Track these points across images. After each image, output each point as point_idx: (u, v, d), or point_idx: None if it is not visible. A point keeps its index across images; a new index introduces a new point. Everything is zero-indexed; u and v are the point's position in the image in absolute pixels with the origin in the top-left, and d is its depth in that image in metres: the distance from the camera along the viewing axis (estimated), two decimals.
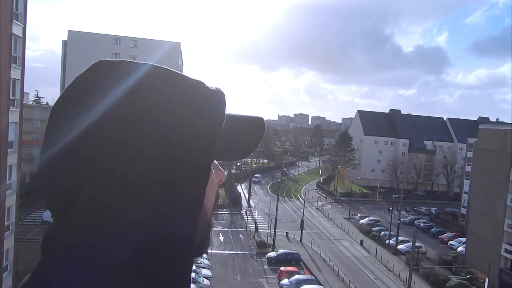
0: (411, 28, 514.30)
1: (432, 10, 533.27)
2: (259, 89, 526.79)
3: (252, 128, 0.65)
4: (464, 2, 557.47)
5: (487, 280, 33.36)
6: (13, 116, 21.37)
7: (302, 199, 59.97)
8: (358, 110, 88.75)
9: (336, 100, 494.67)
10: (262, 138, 0.66)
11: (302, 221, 45.50)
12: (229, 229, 45.78)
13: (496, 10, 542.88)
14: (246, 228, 46.70)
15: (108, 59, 0.58)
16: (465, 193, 52.64)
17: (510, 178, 37.53)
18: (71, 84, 0.56)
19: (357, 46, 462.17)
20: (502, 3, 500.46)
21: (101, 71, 0.55)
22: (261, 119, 0.67)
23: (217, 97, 0.57)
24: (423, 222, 55.30)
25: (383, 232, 46.83)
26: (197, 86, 0.56)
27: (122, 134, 0.49)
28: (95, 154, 0.48)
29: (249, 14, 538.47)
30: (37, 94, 79.74)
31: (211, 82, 0.61)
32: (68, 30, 59.39)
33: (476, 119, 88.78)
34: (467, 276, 36.36)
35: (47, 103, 75.81)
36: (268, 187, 74.56)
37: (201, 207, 0.53)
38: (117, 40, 59.26)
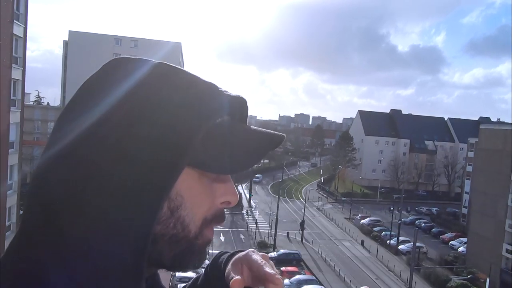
0: (407, 28, 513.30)
1: (428, 10, 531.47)
2: (258, 89, 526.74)
3: (261, 140, 0.59)
4: (461, 2, 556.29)
5: (488, 280, 33.33)
6: (14, 117, 21.41)
7: (303, 199, 59.98)
8: (359, 110, 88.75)
9: (335, 100, 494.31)
10: (267, 153, 0.59)
11: (303, 221, 45.49)
12: (230, 229, 45.78)
13: (492, 10, 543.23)
14: (247, 228, 46.73)
15: (126, 56, 0.58)
16: (466, 193, 52.58)
17: (511, 178, 37.51)
18: (83, 84, 0.56)
19: (353, 46, 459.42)
20: (498, 3, 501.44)
21: (108, 70, 0.56)
22: (280, 136, 0.60)
23: (217, 98, 0.56)
24: (424, 222, 55.23)
25: (384, 232, 46.78)
26: (197, 85, 0.56)
27: (121, 135, 0.49)
28: (94, 156, 0.48)
29: (244, 14, 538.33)
30: (38, 95, 79.97)
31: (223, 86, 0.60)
32: (69, 31, 59.53)
33: (477, 119, 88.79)
34: (468, 276, 36.33)
35: (48, 103, 75.98)
36: (269, 187, 74.57)
37: (155, 209, 0.49)
38: (118, 40, 59.33)
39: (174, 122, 0.50)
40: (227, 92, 0.58)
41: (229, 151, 0.55)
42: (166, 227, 0.52)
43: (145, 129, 0.49)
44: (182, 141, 0.50)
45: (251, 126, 0.61)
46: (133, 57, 0.58)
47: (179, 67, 0.58)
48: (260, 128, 0.61)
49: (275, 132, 0.60)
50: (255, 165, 0.60)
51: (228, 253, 0.74)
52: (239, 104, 0.60)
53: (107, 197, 0.47)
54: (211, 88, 0.57)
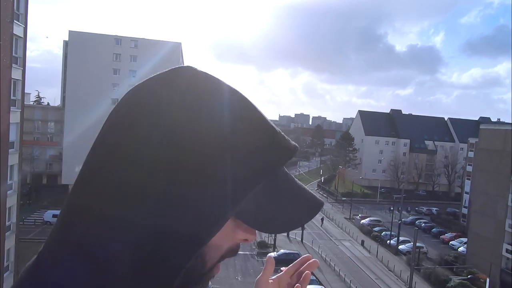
0: (405, 28, 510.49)
1: (426, 10, 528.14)
2: (257, 89, 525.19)
3: (303, 206, 0.58)
4: (459, 2, 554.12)
5: (488, 280, 33.31)
6: (14, 117, 21.40)
7: None
8: (359, 110, 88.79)
9: (334, 100, 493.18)
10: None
11: (322, 218, 45.39)
12: None
13: (491, 10, 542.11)
14: None
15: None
16: (466, 193, 52.59)
17: (511, 178, 37.49)
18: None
19: (351, 46, 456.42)
20: (497, 3, 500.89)
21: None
22: (320, 203, 0.60)
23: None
24: (424, 222, 55.24)
25: (384, 232, 46.80)
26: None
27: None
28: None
29: (241, 14, 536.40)
30: (38, 95, 79.92)
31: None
32: (69, 31, 59.43)
33: (477, 119, 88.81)
34: (468, 276, 36.31)
35: (48, 103, 75.98)
36: None
37: (202, 208, 0.49)
38: (118, 40, 59.29)
39: (232, 175, 0.49)
40: (285, 137, 0.57)
41: (271, 211, 0.54)
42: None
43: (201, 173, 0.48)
44: (234, 196, 0.50)
45: (295, 180, 0.59)
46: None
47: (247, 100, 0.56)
48: (302, 186, 0.60)
49: (317, 197, 0.60)
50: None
51: None
52: (292, 154, 0.57)
53: (108, 200, 0.48)
54: (273, 134, 0.55)
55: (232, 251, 0.59)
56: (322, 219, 52.59)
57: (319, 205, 0.59)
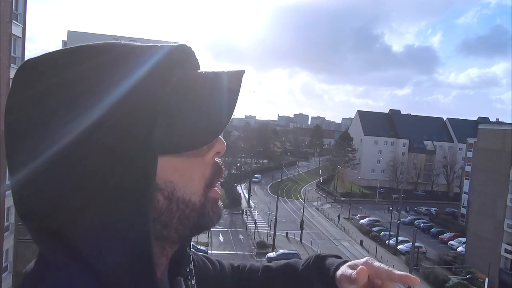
0: (402, 28, 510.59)
1: (422, 11, 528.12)
2: (256, 89, 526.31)
3: (220, 92, 0.52)
4: (457, 2, 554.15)
5: (487, 280, 33.35)
6: None
7: (302, 199, 60.00)
8: (358, 111, 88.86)
9: (332, 100, 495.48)
10: (234, 108, 0.51)
11: (302, 221, 45.54)
12: (229, 229, 45.77)
13: (488, 11, 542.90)
14: (246, 228, 46.71)
15: (33, 57, 0.51)
16: (465, 193, 52.66)
17: (510, 178, 37.56)
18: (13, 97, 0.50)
19: (348, 46, 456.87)
20: (494, 3, 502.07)
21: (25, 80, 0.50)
22: (238, 72, 0.53)
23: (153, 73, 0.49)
24: (423, 222, 55.29)
25: (383, 232, 46.84)
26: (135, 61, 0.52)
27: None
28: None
29: (239, 14, 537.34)
30: None
31: None
32: (68, 31, 59.47)
33: (475, 119, 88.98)
34: (467, 276, 36.36)
35: None
36: (268, 187, 74.57)
37: (145, 203, 0.46)
38: (117, 40, 59.30)
39: (121, 123, 0.46)
40: (165, 45, 0.52)
41: (194, 120, 0.49)
42: (171, 213, 0.51)
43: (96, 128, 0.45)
44: (139, 140, 0.45)
45: (202, 73, 0.54)
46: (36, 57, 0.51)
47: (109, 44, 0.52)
48: (212, 72, 0.54)
49: (230, 71, 0.53)
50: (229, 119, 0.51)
51: (340, 260, 0.71)
52: (185, 55, 0.54)
53: (103, 202, 0.45)
54: (146, 59, 0.51)
55: (216, 172, 0.56)
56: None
57: (237, 74, 0.52)
